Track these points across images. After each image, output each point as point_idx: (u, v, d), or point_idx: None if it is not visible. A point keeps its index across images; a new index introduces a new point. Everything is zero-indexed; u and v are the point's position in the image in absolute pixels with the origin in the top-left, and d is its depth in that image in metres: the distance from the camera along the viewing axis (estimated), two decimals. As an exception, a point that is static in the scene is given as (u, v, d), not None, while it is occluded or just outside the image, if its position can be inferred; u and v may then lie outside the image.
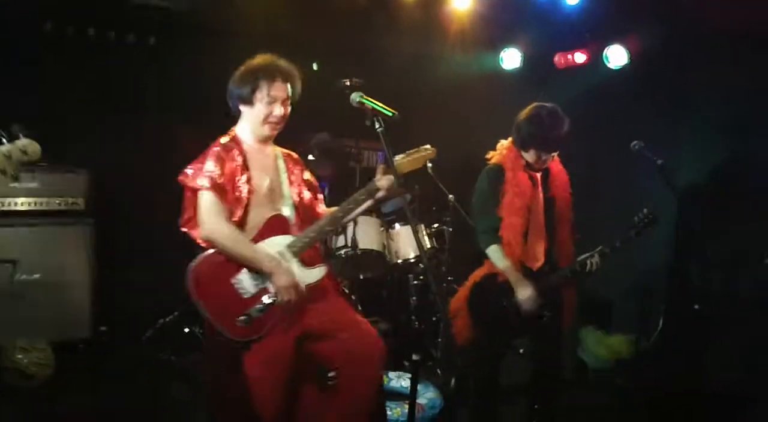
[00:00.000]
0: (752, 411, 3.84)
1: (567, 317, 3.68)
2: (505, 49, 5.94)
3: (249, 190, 2.92)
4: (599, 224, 3.84)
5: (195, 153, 2.98)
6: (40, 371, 4.31)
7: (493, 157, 3.72)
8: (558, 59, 5.68)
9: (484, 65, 6.10)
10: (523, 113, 3.59)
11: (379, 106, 2.66)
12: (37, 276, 4.77)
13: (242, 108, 3.00)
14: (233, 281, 2.82)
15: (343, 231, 5.07)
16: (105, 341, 4.95)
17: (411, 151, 3.09)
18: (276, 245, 2.89)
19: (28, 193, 4.81)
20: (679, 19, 4.54)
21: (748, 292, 4.23)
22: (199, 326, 5.31)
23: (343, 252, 5.04)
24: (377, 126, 2.64)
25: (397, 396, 4.33)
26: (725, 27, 4.23)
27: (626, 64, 5.14)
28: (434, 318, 5.15)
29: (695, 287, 4.07)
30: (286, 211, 3.02)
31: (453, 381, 4.35)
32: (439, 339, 5.01)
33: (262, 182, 2.99)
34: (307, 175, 3.24)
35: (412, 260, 5.17)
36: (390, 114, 2.65)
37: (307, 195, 3.18)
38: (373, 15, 5.55)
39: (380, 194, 3.02)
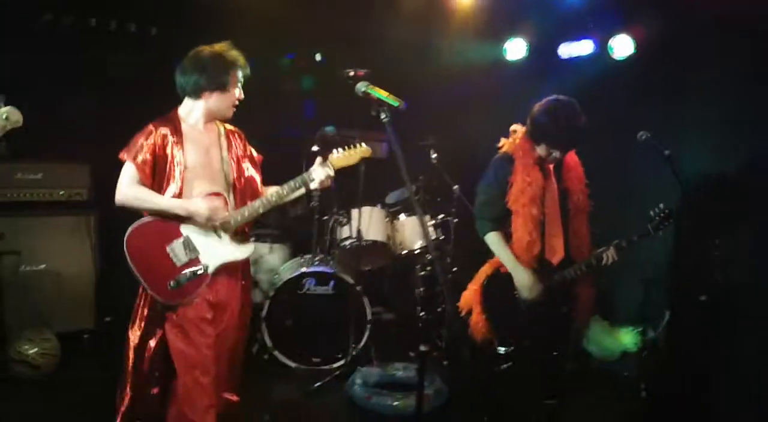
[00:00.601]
0: (761, 405, 3.83)
1: (584, 312, 3.65)
2: (510, 39, 5.90)
3: (182, 167, 3.07)
4: (606, 216, 3.79)
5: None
6: (46, 361, 4.33)
7: (505, 144, 3.66)
8: (562, 49, 5.64)
9: (487, 55, 6.04)
10: (539, 105, 3.50)
11: (384, 96, 2.63)
12: (42, 266, 4.80)
13: (211, 94, 3.16)
14: (167, 249, 3.04)
15: (348, 222, 5.07)
16: (110, 331, 4.96)
17: (348, 148, 3.33)
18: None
19: (32, 184, 4.83)
20: (685, 7, 4.50)
21: (755, 282, 4.21)
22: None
23: (348, 243, 5.05)
24: (383, 116, 2.61)
25: (403, 386, 4.35)
26: (732, 16, 4.20)
27: (632, 54, 5.10)
28: (440, 309, 5.14)
29: (701, 278, 4.04)
30: (224, 188, 3.18)
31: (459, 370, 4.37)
32: (444, 330, 5.02)
33: (199, 158, 3.13)
34: (250, 151, 3.39)
35: (417, 251, 5.17)
36: (396, 104, 2.62)
37: (247, 172, 3.31)
38: (376, 4, 5.52)
39: (313, 185, 3.25)
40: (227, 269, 3.15)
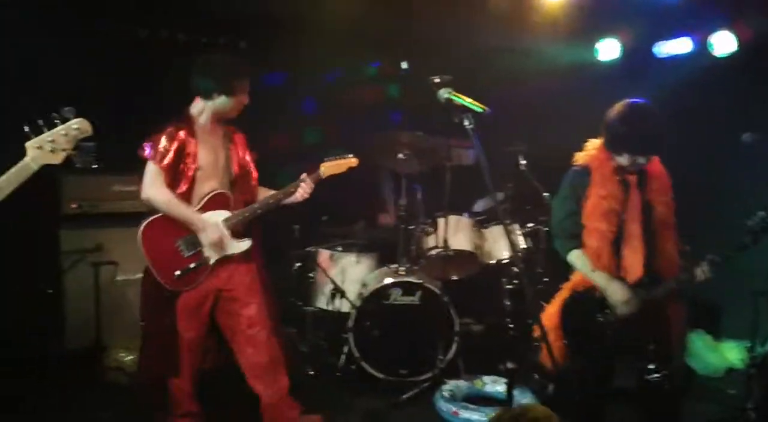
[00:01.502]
0: None
1: (676, 334, 3.35)
2: (601, 39, 5.68)
3: (196, 166, 3.46)
4: (708, 227, 3.52)
5: (275, 153, 3.74)
6: (140, 369, 4.45)
7: (579, 157, 3.43)
8: (658, 48, 5.37)
9: (578, 57, 5.84)
10: (613, 111, 3.26)
11: (468, 102, 2.55)
12: (138, 275, 4.91)
13: (218, 96, 3.49)
14: (176, 242, 3.47)
15: (434, 231, 4.99)
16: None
17: (336, 157, 3.80)
18: (215, 217, 3.51)
19: (128, 196, 4.98)
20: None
21: None
22: (295, 326, 5.36)
23: (434, 252, 4.96)
24: (466, 123, 2.54)
25: (492, 401, 4.22)
26: None
27: (734, 52, 4.79)
28: (530, 321, 4.97)
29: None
30: (227, 186, 3.60)
31: (551, 386, 4.19)
32: (536, 343, 4.85)
33: (208, 158, 3.52)
34: (248, 151, 3.74)
35: (506, 261, 5.02)
36: (480, 110, 2.54)
37: (246, 170, 3.69)
38: (463, 9, 5.43)
39: (292, 199, 3.67)
40: (232, 260, 3.58)
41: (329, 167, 3.78)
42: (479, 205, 5.66)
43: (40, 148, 2.47)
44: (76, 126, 2.54)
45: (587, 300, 3.30)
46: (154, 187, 3.43)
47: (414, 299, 4.79)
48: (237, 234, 3.59)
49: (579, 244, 3.29)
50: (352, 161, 3.83)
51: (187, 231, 3.48)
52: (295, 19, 5.17)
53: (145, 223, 3.48)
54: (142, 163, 5.03)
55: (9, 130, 2.73)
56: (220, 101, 3.51)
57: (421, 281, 4.79)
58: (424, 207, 5.19)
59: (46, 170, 2.58)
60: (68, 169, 4.70)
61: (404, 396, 4.43)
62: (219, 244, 3.51)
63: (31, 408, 4.04)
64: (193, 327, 3.55)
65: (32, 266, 4.74)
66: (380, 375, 4.70)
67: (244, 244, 3.61)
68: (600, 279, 3.22)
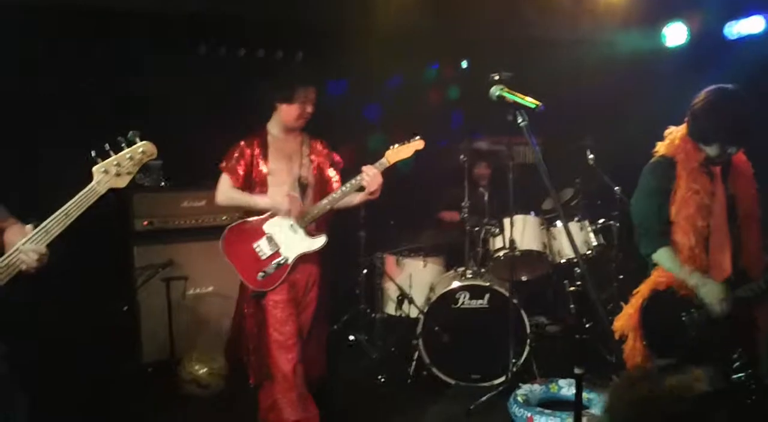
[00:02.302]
0: None
1: (763, 336, 3.11)
2: (668, 24, 5.44)
3: (267, 172, 3.71)
4: None
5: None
6: (214, 381, 4.53)
7: (662, 147, 3.22)
8: (729, 30, 5.10)
9: (645, 44, 5.61)
10: (700, 99, 3.06)
11: (520, 98, 2.46)
12: (209, 289, 5.03)
13: (280, 106, 3.72)
14: (254, 245, 3.68)
15: (501, 232, 4.88)
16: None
17: (402, 143, 3.73)
18: (288, 218, 3.67)
19: (197, 212, 5.09)
20: None
21: None
22: (365, 333, 5.35)
23: (501, 254, 4.85)
24: (519, 120, 2.44)
25: (568, 405, 4.08)
26: None
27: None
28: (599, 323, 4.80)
29: None
30: (299, 190, 3.75)
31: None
32: (611, 345, 4.67)
33: (281, 166, 3.74)
34: (332, 157, 3.93)
35: (577, 259, 4.86)
36: (533, 106, 2.43)
37: (324, 176, 3.88)
38: (522, 4, 5.30)
39: (364, 183, 3.65)
40: (304, 258, 3.71)
41: (395, 152, 3.74)
42: (548, 203, 5.52)
43: (106, 172, 2.50)
44: (142, 149, 2.57)
45: (670, 299, 3.11)
46: (223, 191, 3.74)
47: (483, 302, 4.69)
48: (311, 232, 3.72)
49: (668, 241, 3.10)
50: (418, 143, 3.77)
51: (262, 235, 3.67)
52: (351, 27, 5.16)
53: (223, 235, 3.72)
54: (209, 179, 5.21)
55: (77, 153, 2.80)
56: (283, 110, 3.72)
57: (488, 284, 4.69)
58: (490, 207, 5.09)
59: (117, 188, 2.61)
60: (138, 187, 4.83)
61: (478, 402, 4.33)
62: (298, 209, 3.65)
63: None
64: (291, 322, 3.68)
65: (107, 283, 4.88)
66: (452, 381, 4.63)
67: (319, 241, 3.72)
68: (694, 278, 3.03)
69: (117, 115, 4.84)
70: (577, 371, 2.27)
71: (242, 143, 3.77)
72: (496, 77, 3.91)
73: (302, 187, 3.78)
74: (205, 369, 4.50)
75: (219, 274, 4.98)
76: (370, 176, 3.62)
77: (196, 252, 5.02)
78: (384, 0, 4.99)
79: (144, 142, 2.58)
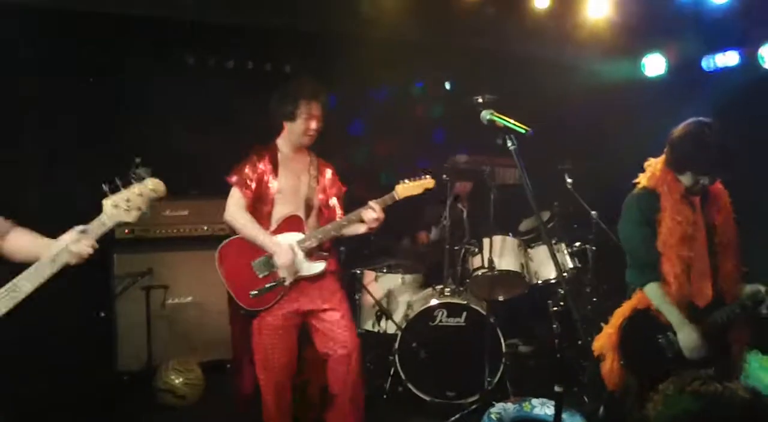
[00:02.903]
0: None
1: (737, 360, 3.27)
2: (647, 55, 5.60)
3: (275, 190, 3.62)
4: (757, 250, 3.40)
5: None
6: (191, 391, 4.51)
7: (643, 179, 3.35)
8: (706, 62, 5.27)
9: (624, 73, 5.77)
10: (678, 130, 3.20)
11: (510, 123, 2.54)
12: (188, 299, 5.03)
13: (285, 122, 3.66)
14: (252, 263, 3.57)
15: (480, 251, 4.95)
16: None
17: (413, 179, 3.71)
18: (289, 239, 3.59)
19: (179, 221, 5.09)
20: None
21: None
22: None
23: (479, 273, 4.91)
24: (509, 144, 2.53)
25: (540, 424, 4.14)
26: None
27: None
28: (579, 342, 4.88)
29: None
30: (304, 211, 3.69)
31: (601, 409, 4.09)
32: (588, 365, 4.75)
33: (289, 184, 3.67)
34: (338, 184, 3.88)
35: (553, 281, 4.95)
36: (523, 131, 2.52)
37: (331, 202, 3.83)
38: (505, 26, 5.42)
39: (364, 224, 3.64)
40: (310, 281, 3.64)
41: (405, 189, 3.72)
42: (525, 225, 5.62)
43: (116, 206, 2.55)
44: (152, 187, 2.61)
45: (648, 321, 3.22)
46: (234, 210, 3.60)
47: (460, 320, 4.75)
48: (312, 256, 3.65)
49: (657, 276, 3.18)
50: (428, 182, 3.76)
51: (262, 252, 3.57)
52: (338, 41, 5.24)
53: (222, 245, 3.64)
54: (192, 188, 5.23)
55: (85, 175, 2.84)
56: (288, 127, 3.67)
57: (466, 302, 4.75)
58: (470, 227, 5.16)
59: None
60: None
61: (452, 419, 4.38)
62: (291, 266, 3.55)
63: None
64: (281, 349, 3.60)
65: (85, 290, 4.85)
66: (427, 398, 4.66)
67: (318, 266, 3.66)
68: (676, 319, 3.13)
69: (106, 125, 4.86)
70: (557, 389, 2.33)
71: (254, 157, 3.66)
72: (480, 100, 4.01)
73: (308, 208, 3.72)
74: (181, 379, 4.49)
75: (198, 284, 5.02)
76: (376, 213, 3.60)
77: (177, 262, 5.02)
78: (369, 15, 5.04)
79: (153, 180, 2.61)
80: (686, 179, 3.19)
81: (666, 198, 3.20)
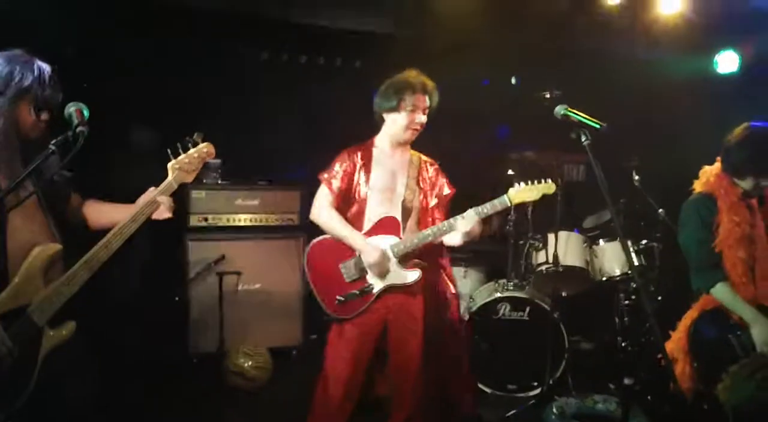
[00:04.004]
0: None
1: None
2: (721, 51, 5.51)
3: (367, 188, 3.37)
4: None
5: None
6: (259, 374, 4.67)
7: (698, 185, 3.38)
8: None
9: (696, 70, 5.68)
10: (734, 135, 3.24)
11: (584, 118, 2.57)
12: (257, 286, 5.19)
13: (387, 116, 3.41)
14: (341, 266, 3.33)
15: (545, 246, 4.97)
16: (315, 348, 5.24)
17: (531, 183, 3.29)
18: (382, 243, 3.30)
19: (250, 210, 5.26)
20: None
21: None
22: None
23: (544, 268, 4.94)
24: (583, 139, 2.56)
25: (603, 420, 4.15)
26: None
27: None
28: (643, 340, 4.85)
29: None
30: (400, 212, 3.37)
31: (666, 407, 4.08)
32: (648, 362, 4.72)
33: (383, 183, 3.40)
34: (441, 186, 3.52)
35: (618, 278, 4.93)
36: (597, 126, 2.55)
37: (430, 204, 3.48)
38: (575, 21, 5.40)
39: (456, 235, 3.26)
40: (398, 290, 3.33)
41: (520, 194, 3.27)
42: (589, 222, 5.60)
43: (179, 168, 2.73)
44: (206, 149, 2.78)
45: (717, 321, 3.21)
46: (320, 208, 3.40)
47: (523, 315, 4.79)
48: (407, 263, 3.35)
49: (723, 275, 3.18)
50: (549, 187, 3.31)
51: (352, 255, 3.33)
52: (407, 38, 5.32)
53: (310, 246, 3.43)
54: (263, 178, 5.40)
55: (148, 152, 3.02)
56: (390, 120, 3.40)
57: (530, 297, 4.79)
58: (534, 222, 5.18)
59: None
60: (195, 184, 5.02)
61: (512, 412, 4.43)
62: (380, 267, 3.27)
63: (157, 410, 4.28)
64: (354, 360, 3.31)
65: (162, 276, 5.08)
66: (488, 390, 4.73)
67: (411, 275, 3.32)
68: (749, 315, 3.10)
69: (178, 116, 5.05)
70: (627, 381, 2.36)
71: (346, 153, 3.43)
72: (548, 95, 4.02)
73: (406, 210, 3.40)
74: (250, 363, 4.65)
75: (267, 272, 5.18)
76: (469, 225, 3.22)
77: (247, 250, 5.18)
78: (441, 12, 5.11)
79: (206, 143, 2.78)
80: (746, 184, 3.23)
81: (723, 200, 3.22)
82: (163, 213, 2.66)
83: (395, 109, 3.36)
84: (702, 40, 5.45)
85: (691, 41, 5.41)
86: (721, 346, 3.15)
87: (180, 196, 4.95)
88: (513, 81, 6.37)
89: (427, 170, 3.53)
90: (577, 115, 2.57)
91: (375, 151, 3.45)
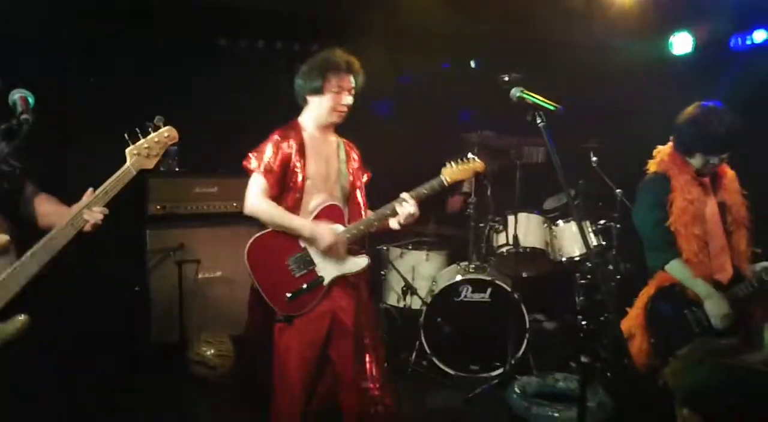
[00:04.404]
0: None
1: (757, 334, 3.27)
2: (676, 33, 5.58)
3: (303, 176, 3.16)
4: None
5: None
6: (222, 362, 4.64)
7: (652, 165, 3.46)
8: (734, 41, 5.26)
9: (652, 52, 5.76)
10: (684, 114, 3.33)
11: (540, 100, 2.59)
12: (218, 273, 5.15)
13: (311, 98, 3.23)
14: (287, 261, 3.12)
15: (505, 229, 5.01)
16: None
17: (462, 161, 3.31)
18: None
19: (209, 197, 5.20)
20: None
21: None
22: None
23: (504, 250, 4.98)
24: (539, 121, 2.57)
25: (564, 398, 4.22)
26: None
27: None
28: (602, 318, 4.94)
29: None
30: (340, 200, 3.26)
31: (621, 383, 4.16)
32: (607, 340, 4.82)
33: (318, 169, 3.22)
34: (363, 168, 3.45)
35: (577, 258, 5.00)
36: (552, 108, 2.57)
37: (358, 186, 3.37)
38: (533, 5, 5.42)
39: (395, 220, 3.21)
40: (344, 281, 3.22)
41: (454, 173, 3.28)
42: (549, 203, 5.66)
43: (138, 154, 2.64)
44: (167, 134, 2.69)
45: (673, 297, 3.29)
46: (256, 199, 3.12)
47: (484, 296, 4.84)
48: (352, 252, 3.22)
49: (677, 252, 3.25)
50: (478, 165, 3.35)
51: (298, 249, 3.15)
52: (365, 23, 5.27)
53: (251, 241, 3.13)
54: (222, 165, 5.32)
55: (106, 138, 2.94)
56: (315, 103, 3.23)
57: (491, 278, 4.83)
58: (494, 204, 5.22)
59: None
60: (153, 172, 4.92)
61: (476, 392, 4.48)
62: (337, 250, 3.13)
63: (118, 400, 4.24)
64: (307, 359, 3.13)
65: (120, 265, 5.00)
66: (451, 371, 4.77)
67: (362, 261, 3.23)
68: (702, 289, 3.19)
69: (135, 102, 4.95)
70: (583, 359, 2.40)
71: (276, 137, 3.17)
72: (506, 78, 4.03)
73: (344, 198, 3.29)
74: (212, 351, 4.62)
75: (228, 260, 5.13)
76: (412, 207, 3.18)
77: (207, 238, 5.13)
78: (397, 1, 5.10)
79: (168, 127, 2.70)
80: (696, 161, 3.30)
81: (676, 179, 3.29)
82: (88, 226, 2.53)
83: (320, 90, 3.18)
84: (657, 22, 5.51)
85: (646, 24, 5.46)
86: (677, 322, 3.24)
87: (138, 184, 4.94)
88: (473, 64, 6.37)
89: (351, 154, 3.41)
90: (532, 97, 2.58)
91: (305, 136, 3.23)
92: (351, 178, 3.34)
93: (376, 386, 3.24)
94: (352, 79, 3.23)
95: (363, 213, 3.33)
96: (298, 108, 3.45)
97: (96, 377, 4.32)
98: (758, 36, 5.13)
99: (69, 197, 2.67)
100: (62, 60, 4.93)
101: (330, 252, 3.13)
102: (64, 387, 3.78)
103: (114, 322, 4.80)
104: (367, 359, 3.25)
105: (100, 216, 2.54)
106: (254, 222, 3.26)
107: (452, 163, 3.30)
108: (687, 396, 1.69)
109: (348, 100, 3.23)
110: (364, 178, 3.45)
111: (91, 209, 2.52)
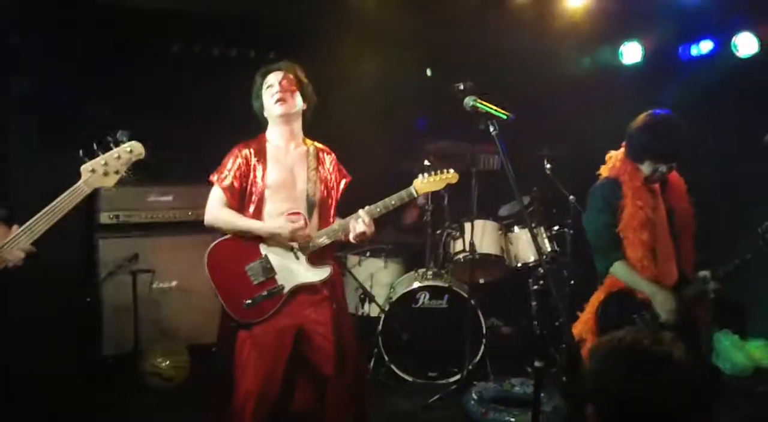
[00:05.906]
0: None
1: (704, 334, 3.45)
2: (625, 42, 5.72)
3: (263, 185, 3.17)
4: (735, 231, 3.56)
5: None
6: (177, 374, 4.59)
7: (604, 170, 3.52)
8: (682, 50, 5.41)
9: (602, 61, 5.89)
10: (636, 122, 3.37)
11: (493, 109, 2.63)
12: (173, 283, 5.07)
13: (264, 113, 3.30)
14: (246, 268, 3.11)
15: (461, 235, 5.06)
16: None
17: (435, 173, 3.28)
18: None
19: (163, 206, 5.12)
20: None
21: None
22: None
23: (461, 256, 5.03)
24: (491, 129, 2.61)
25: (520, 403, 4.27)
26: None
27: (757, 53, 4.81)
28: (557, 323, 5.02)
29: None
30: (305, 207, 3.22)
31: (578, 387, 4.23)
32: (563, 345, 4.89)
33: (280, 177, 3.21)
34: (338, 172, 3.39)
35: (532, 264, 5.07)
36: (504, 117, 2.61)
37: (330, 193, 3.34)
38: (486, 15, 5.48)
39: (351, 235, 3.18)
40: (307, 290, 3.18)
41: (425, 185, 3.28)
42: (504, 210, 5.74)
43: (93, 171, 2.52)
44: (129, 149, 2.57)
45: (622, 301, 3.33)
46: (215, 210, 3.17)
47: (442, 302, 4.87)
48: (314, 261, 3.20)
49: (621, 255, 3.31)
50: (452, 177, 3.33)
51: (258, 256, 3.15)
52: (322, 29, 5.27)
53: (210, 248, 3.15)
54: (176, 174, 5.25)
55: (65, 151, 2.84)
56: (267, 113, 3.30)
57: (448, 285, 4.87)
58: (451, 212, 5.26)
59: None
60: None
61: (433, 398, 4.50)
62: (305, 237, 3.13)
63: (70, 414, 4.14)
64: (267, 367, 3.07)
65: (72, 276, 4.89)
66: (409, 378, 4.79)
67: (323, 272, 3.19)
68: (648, 288, 3.25)
69: (90, 110, 4.87)
70: (536, 364, 2.43)
71: (236, 150, 3.24)
72: (461, 87, 4.05)
73: (310, 205, 3.24)
74: (168, 362, 4.56)
75: (183, 269, 5.03)
76: (365, 226, 3.16)
77: (162, 247, 5.05)
78: (355, 3, 5.10)
79: (132, 142, 2.59)
80: (645, 168, 3.35)
81: (627, 185, 3.33)
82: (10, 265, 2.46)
83: (260, 100, 3.28)
84: (607, 32, 5.63)
85: (597, 33, 5.58)
86: (627, 325, 3.28)
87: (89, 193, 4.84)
88: (428, 73, 6.41)
89: (324, 160, 3.38)
90: (485, 106, 2.62)
91: (268, 146, 3.27)
92: (320, 185, 3.31)
93: (355, 394, 3.26)
94: (280, 73, 3.26)
95: (332, 219, 3.31)
96: (253, 115, 3.46)
97: (47, 388, 4.20)
98: (705, 46, 5.27)
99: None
100: (8, 64, 4.80)
101: (299, 238, 3.13)
102: (12, 398, 3.70)
103: (65, 334, 4.70)
104: (348, 368, 3.22)
105: (22, 256, 2.46)
106: (212, 231, 3.28)
107: (425, 174, 3.29)
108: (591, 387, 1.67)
109: (277, 88, 3.22)
110: (342, 183, 3.41)
111: (13, 248, 2.43)
